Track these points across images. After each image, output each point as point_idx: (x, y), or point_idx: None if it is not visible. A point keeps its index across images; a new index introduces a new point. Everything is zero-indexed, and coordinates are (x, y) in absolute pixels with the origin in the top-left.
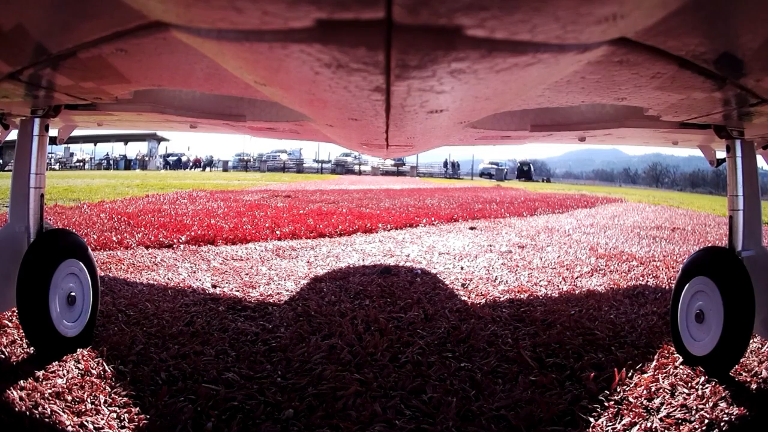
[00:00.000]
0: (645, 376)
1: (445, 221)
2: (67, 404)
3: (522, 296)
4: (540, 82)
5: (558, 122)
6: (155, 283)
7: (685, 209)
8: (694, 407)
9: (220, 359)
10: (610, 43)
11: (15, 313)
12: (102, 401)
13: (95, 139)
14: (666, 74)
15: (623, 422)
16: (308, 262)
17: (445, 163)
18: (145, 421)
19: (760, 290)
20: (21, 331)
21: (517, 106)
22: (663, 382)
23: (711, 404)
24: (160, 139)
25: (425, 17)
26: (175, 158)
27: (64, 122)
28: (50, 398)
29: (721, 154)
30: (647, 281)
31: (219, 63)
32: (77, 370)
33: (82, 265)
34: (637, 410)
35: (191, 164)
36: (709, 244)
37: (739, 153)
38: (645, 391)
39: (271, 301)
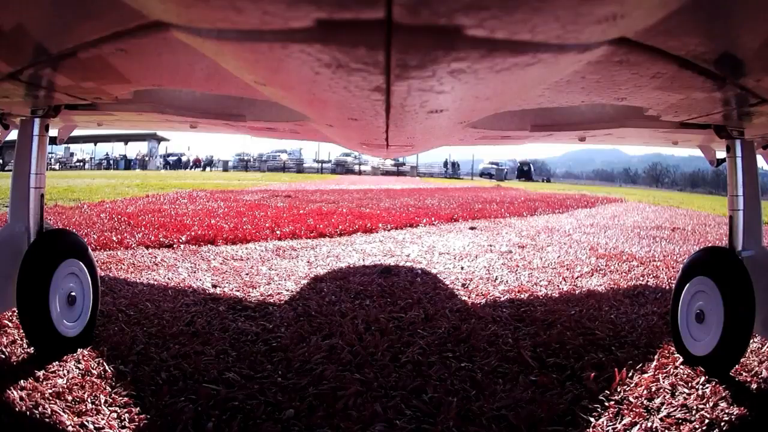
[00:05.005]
0: (645, 376)
1: (445, 221)
2: (68, 404)
3: (522, 296)
4: (540, 82)
5: (558, 122)
6: (155, 283)
7: (685, 209)
8: (695, 407)
9: (220, 359)
10: (610, 43)
11: (15, 313)
12: (102, 401)
13: (95, 139)
14: (666, 74)
15: (624, 422)
16: (308, 262)
17: (445, 163)
18: (146, 421)
19: (760, 290)
20: (21, 331)
21: (517, 106)
22: (663, 382)
23: (711, 404)
24: (160, 139)
25: (425, 17)
26: (175, 158)
27: (64, 122)
28: (50, 398)
29: (721, 154)
30: (647, 281)
31: (219, 63)
32: (77, 370)
33: (82, 265)
34: (637, 410)
35: (191, 164)
36: (709, 244)
37: (739, 153)
38: (645, 391)
39: (271, 301)
